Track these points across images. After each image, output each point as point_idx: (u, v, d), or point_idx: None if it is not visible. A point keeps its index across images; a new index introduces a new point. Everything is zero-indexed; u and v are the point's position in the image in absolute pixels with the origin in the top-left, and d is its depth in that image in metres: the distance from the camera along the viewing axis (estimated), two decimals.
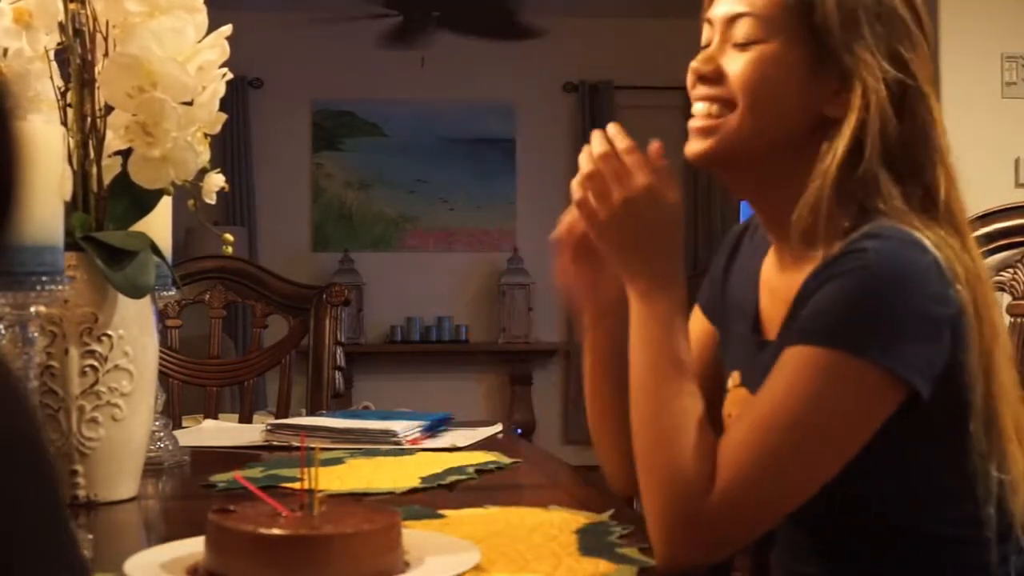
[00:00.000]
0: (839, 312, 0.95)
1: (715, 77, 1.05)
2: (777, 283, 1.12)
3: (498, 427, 1.88)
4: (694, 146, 1.07)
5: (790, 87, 1.03)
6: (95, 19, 1.28)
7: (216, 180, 1.41)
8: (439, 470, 1.44)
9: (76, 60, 1.28)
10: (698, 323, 1.23)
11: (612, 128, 1.04)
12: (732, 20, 1.05)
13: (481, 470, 1.46)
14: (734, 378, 1.15)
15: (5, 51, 1.24)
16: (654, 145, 1.03)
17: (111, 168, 1.32)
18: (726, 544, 0.96)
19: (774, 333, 1.08)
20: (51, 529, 0.42)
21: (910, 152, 1.01)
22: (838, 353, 0.94)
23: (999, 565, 1.01)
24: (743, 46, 1.04)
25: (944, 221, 1.00)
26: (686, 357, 1.01)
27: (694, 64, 1.07)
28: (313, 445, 0.98)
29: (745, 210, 1.19)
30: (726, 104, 1.04)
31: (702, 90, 1.06)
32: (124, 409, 1.28)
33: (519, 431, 5.61)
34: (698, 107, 1.07)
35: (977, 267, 1.00)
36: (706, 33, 1.09)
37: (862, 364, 0.93)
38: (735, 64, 1.04)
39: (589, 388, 1.19)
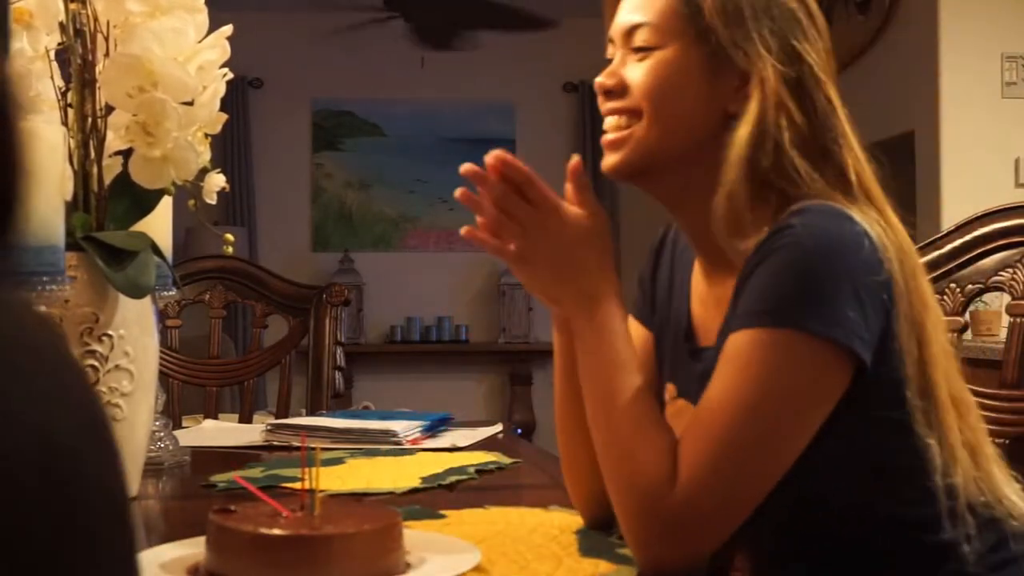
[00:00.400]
0: (775, 290, 0.95)
1: (619, 90, 1.07)
2: (706, 291, 1.13)
3: (498, 427, 1.88)
4: (607, 160, 1.08)
5: (691, 90, 1.04)
6: (96, 19, 1.28)
7: (217, 180, 1.41)
8: (439, 470, 1.44)
9: (77, 60, 1.28)
10: (635, 331, 1.21)
11: (497, 158, 1.01)
12: (630, 32, 1.07)
13: (481, 470, 1.46)
14: (670, 391, 1.15)
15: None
16: (573, 160, 1.04)
17: (112, 168, 1.32)
18: (699, 540, 0.95)
19: (708, 340, 1.08)
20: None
21: (817, 138, 1.03)
22: (779, 331, 0.94)
23: (963, 543, 0.99)
24: (641, 55, 1.06)
25: (862, 200, 1.02)
26: (629, 362, 1.01)
27: (598, 79, 1.09)
28: (313, 445, 0.97)
29: None
30: (633, 114, 1.06)
31: (609, 104, 1.08)
32: (124, 409, 1.28)
33: (519, 431, 5.61)
34: (608, 121, 1.09)
35: (900, 239, 1.01)
36: (609, 51, 1.11)
37: (805, 338, 0.93)
38: (636, 73, 1.06)
39: (557, 397, 1.14)
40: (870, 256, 0.96)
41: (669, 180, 1.08)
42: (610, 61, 1.10)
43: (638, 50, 1.06)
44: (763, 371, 0.94)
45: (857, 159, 1.04)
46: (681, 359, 1.14)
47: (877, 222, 0.99)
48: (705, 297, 1.13)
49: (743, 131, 1.01)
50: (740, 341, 0.95)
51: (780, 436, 0.95)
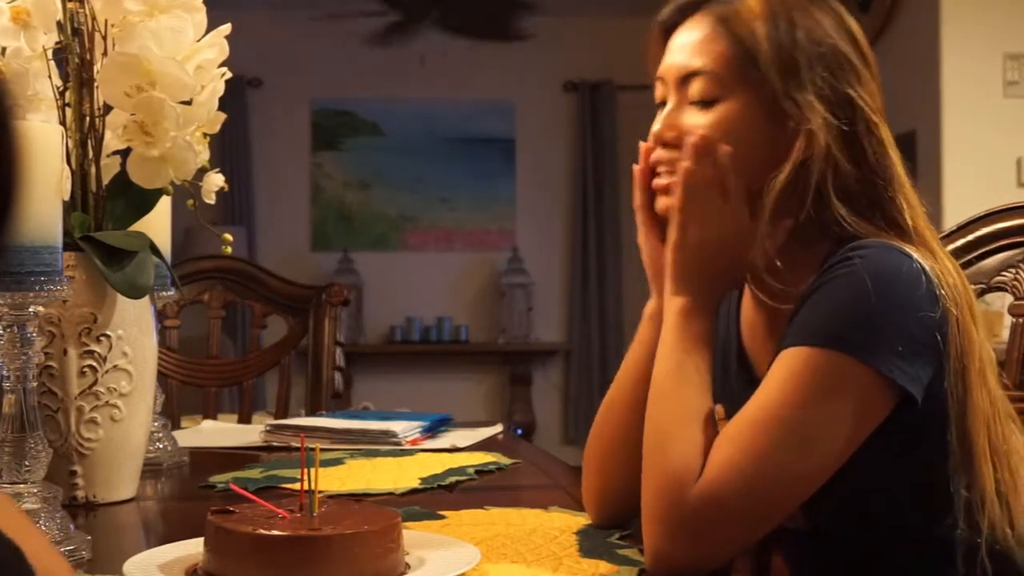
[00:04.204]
0: (829, 314, 0.96)
1: (679, 143, 1.05)
2: (756, 319, 1.13)
3: (498, 428, 1.88)
4: (664, 204, 1.07)
5: (752, 140, 1.03)
6: (94, 18, 1.27)
7: (215, 180, 1.40)
8: (439, 471, 1.44)
9: (75, 59, 1.27)
10: None
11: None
12: (686, 78, 1.05)
13: (481, 471, 1.46)
14: (719, 412, 1.15)
15: (3, 50, 1.24)
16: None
17: (110, 168, 1.32)
18: (710, 544, 0.94)
19: (761, 370, 1.07)
20: None
21: (866, 187, 1.02)
22: (826, 352, 0.94)
23: None
24: (702, 106, 1.04)
25: (918, 244, 1.01)
26: (706, 375, 1.01)
27: (657, 128, 1.07)
28: (312, 446, 0.97)
29: None
30: None
31: (669, 154, 1.06)
32: (123, 410, 1.28)
33: (519, 431, 5.61)
34: (666, 168, 1.07)
35: (958, 282, 1.00)
36: (659, 90, 1.09)
37: (850, 363, 0.93)
38: (698, 125, 1.03)
39: (621, 385, 1.13)
40: (926, 292, 0.96)
41: None
42: (658, 104, 1.08)
43: (698, 101, 1.04)
44: (804, 388, 0.94)
45: (912, 205, 1.04)
46: (734, 385, 1.13)
47: (932, 263, 0.99)
48: (755, 325, 1.13)
49: (779, 179, 1.01)
50: (788, 357, 0.96)
51: (810, 454, 0.94)
